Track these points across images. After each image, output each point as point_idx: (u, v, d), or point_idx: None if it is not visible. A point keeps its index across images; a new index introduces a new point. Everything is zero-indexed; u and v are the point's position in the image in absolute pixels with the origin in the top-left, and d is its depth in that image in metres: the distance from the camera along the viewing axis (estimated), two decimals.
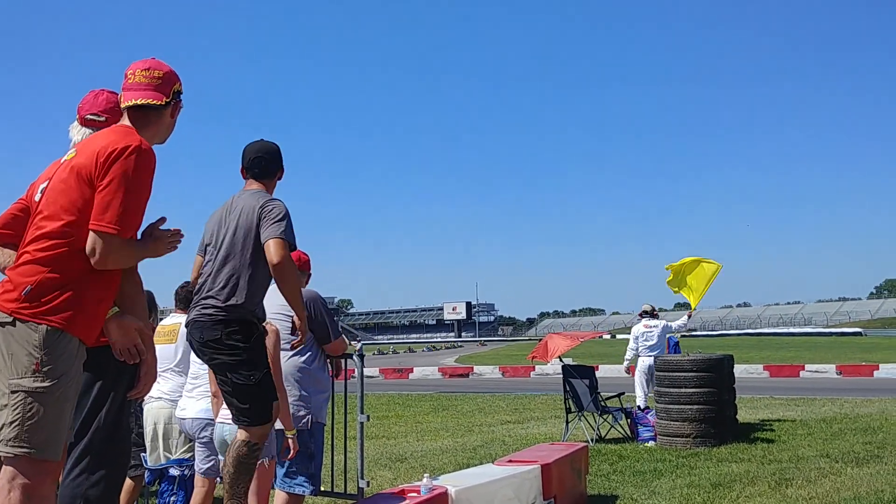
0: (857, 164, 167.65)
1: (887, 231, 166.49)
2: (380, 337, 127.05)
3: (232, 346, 3.64)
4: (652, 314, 11.43)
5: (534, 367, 28.60)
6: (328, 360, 4.93)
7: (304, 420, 4.50)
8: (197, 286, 3.87)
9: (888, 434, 9.20)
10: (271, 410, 3.72)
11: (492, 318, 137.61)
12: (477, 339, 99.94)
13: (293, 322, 3.81)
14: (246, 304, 3.69)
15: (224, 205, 3.99)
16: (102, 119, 3.10)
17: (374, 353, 60.77)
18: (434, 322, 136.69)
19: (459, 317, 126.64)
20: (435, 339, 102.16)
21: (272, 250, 3.63)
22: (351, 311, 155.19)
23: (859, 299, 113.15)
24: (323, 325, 4.71)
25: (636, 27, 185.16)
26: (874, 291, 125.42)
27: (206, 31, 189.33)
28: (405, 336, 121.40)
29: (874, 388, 18.46)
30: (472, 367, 33.04)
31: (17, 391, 2.44)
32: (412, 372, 31.67)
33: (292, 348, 4.03)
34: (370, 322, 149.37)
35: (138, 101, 2.79)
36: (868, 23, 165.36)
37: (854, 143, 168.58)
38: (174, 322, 5.10)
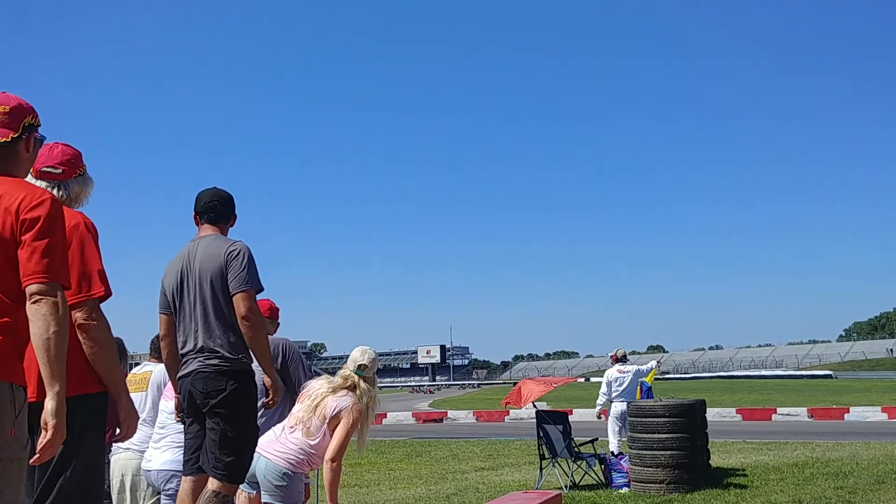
0: (826, 207, 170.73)
1: (855, 274, 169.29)
2: None
3: (233, 399, 3.68)
4: (624, 359, 11.48)
5: (508, 412, 28.47)
6: None
7: None
8: (183, 342, 3.83)
9: (859, 479, 9.24)
10: (246, 471, 3.72)
11: (466, 362, 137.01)
12: (458, 382, 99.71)
13: (263, 382, 3.79)
14: (247, 357, 3.78)
15: (180, 256, 3.96)
16: (59, 171, 3.10)
17: None
18: (408, 366, 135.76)
19: (434, 360, 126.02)
20: (420, 383, 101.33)
21: (240, 304, 3.67)
22: (324, 354, 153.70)
23: (829, 342, 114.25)
24: (297, 370, 4.70)
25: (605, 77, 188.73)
26: (843, 334, 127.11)
27: (173, 64, 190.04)
28: (379, 380, 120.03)
29: (845, 432, 18.59)
30: (447, 412, 32.79)
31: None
32: (385, 417, 31.35)
33: (264, 408, 3.96)
34: (344, 366, 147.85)
35: None
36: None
37: (822, 187, 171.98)
38: (146, 370, 5.04)
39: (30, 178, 3.04)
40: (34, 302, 2.36)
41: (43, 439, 2.34)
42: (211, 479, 3.67)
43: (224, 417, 3.67)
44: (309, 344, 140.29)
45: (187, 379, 3.78)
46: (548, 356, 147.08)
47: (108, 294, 2.83)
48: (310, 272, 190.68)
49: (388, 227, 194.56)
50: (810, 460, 11.64)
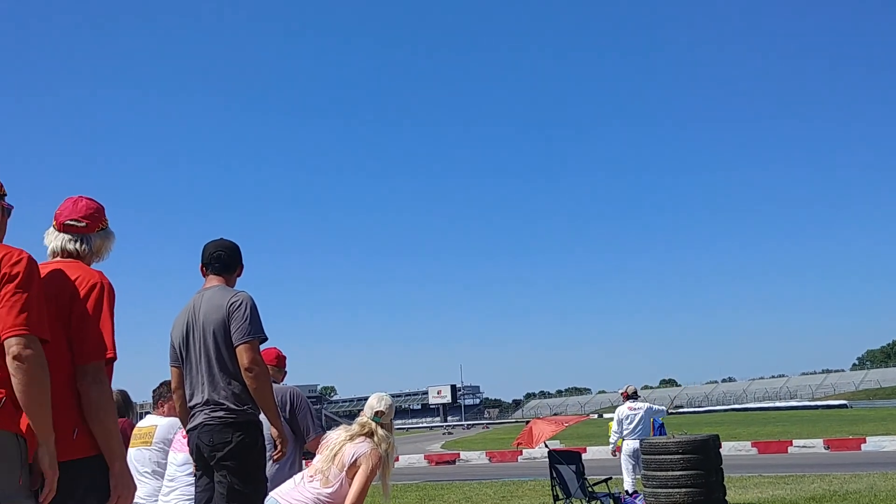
0: (836, 236, 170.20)
1: (867, 302, 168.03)
2: None
3: (240, 451, 3.69)
4: (634, 396, 11.40)
5: (521, 452, 28.17)
6: (304, 457, 4.89)
7: None
8: (191, 395, 3.85)
9: None
10: None
11: (477, 401, 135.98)
12: (478, 422, 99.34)
13: (271, 433, 3.80)
14: (253, 408, 3.78)
15: (186, 308, 4.01)
16: (82, 224, 3.09)
17: None
18: (419, 406, 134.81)
19: (444, 400, 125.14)
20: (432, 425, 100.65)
21: (242, 356, 3.69)
22: (334, 398, 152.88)
23: (842, 371, 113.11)
24: (304, 419, 4.69)
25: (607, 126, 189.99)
26: (856, 362, 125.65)
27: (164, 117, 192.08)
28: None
29: (862, 463, 18.33)
30: (459, 454, 32.43)
31: None
32: (397, 460, 31.00)
33: (273, 461, 3.96)
34: (354, 409, 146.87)
35: None
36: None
37: (830, 216, 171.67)
38: (150, 424, 5.03)
39: (52, 231, 3.12)
40: (16, 355, 2.40)
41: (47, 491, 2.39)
42: None
43: (231, 470, 3.67)
44: (319, 387, 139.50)
45: (195, 432, 3.80)
46: (560, 393, 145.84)
47: (114, 357, 2.85)
48: (318, 315, 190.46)
49: (396, 267, 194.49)
50: (828, 493, 11.48)
